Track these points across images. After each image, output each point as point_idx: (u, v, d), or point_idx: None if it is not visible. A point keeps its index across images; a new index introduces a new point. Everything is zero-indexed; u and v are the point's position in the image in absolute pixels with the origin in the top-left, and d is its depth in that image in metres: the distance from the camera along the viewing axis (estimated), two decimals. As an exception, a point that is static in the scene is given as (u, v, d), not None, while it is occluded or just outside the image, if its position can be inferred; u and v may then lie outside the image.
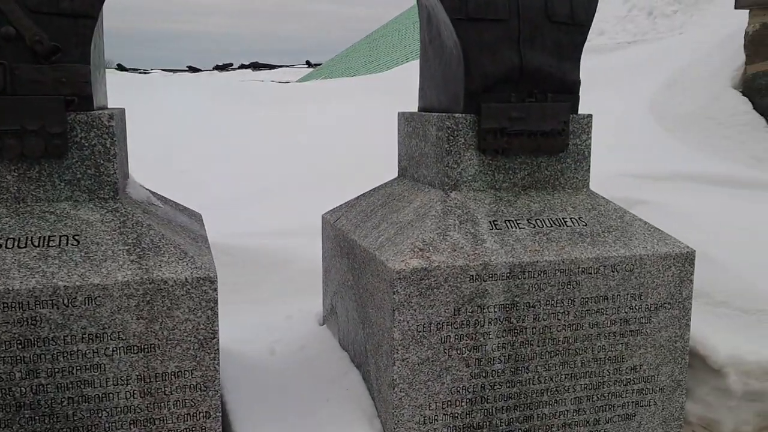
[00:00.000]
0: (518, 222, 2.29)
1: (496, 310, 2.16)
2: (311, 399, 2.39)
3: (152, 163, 7.22)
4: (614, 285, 2.27)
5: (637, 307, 2.30)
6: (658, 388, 2.37)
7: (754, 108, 4.60)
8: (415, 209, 2.36)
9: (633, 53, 6.45)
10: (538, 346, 2.22)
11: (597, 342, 2.28)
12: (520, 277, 2.17)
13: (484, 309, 2.15)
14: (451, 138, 2.29)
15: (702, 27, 6.69)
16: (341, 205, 2.89)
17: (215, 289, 1.90)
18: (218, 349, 1.94)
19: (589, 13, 2.39)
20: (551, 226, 2.30)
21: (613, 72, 6.00)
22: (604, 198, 2.46)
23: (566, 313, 2.23)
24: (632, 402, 2.35)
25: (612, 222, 2.37)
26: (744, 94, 4.70)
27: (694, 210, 3.70)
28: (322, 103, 9.72)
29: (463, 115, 2.30)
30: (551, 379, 2.25)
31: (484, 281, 2.13)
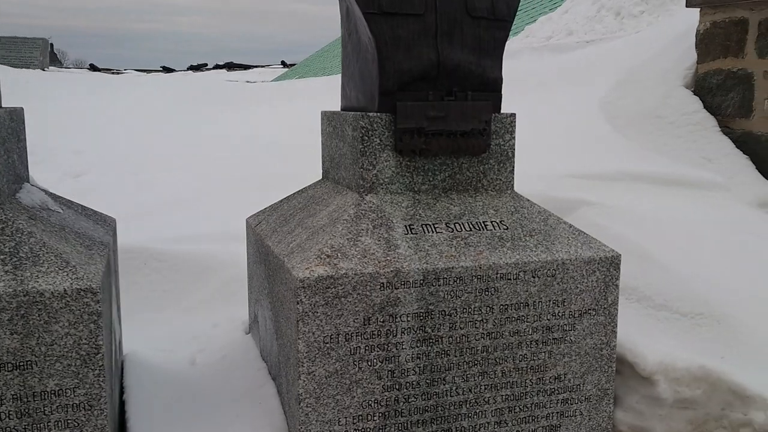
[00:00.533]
0: (436, 226, 2.19)
1: (409, 319, 2.05)
2: (222, 414, 2.27)
3: (109, 164, 7.06)
4: (535, 291, 2.17)
5: (560, 314, 2.21)
6: (583, 398, 2.29)
7: (705, 107, 4.55)
8: (330, 213, 2.25)
9: (590, 52, 6.40)
10: (456, 356, 2.12)
11: (518, 351, 2.18)
12: (434, 284, 2.06)
13: (396, 318, 2.04)
14: (366, 138, 2.19)
15: (666, 26, 6.65)
16: (266, 208, 2.77)
17: (98, 302, 1.77)
18: (103, 365, 1.81)
19: (511, 8, 2.29)
20: (470, 230, 2.20)
21: (568, 71, 5.94)
22: (528, 200, 2.37)
23: (485, 321, 2.13)
24: (557, 412, 2.26)
25: (535, 225, 2.28)
26: (695, 93, 4.65)
27: (640, 211, 3.64)
28: (287, 103, 9.58)
29: (378, 114, 2.19)
30: (470, 391, 2.15)
31: (396, 289, 2.03)
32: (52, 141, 8.03)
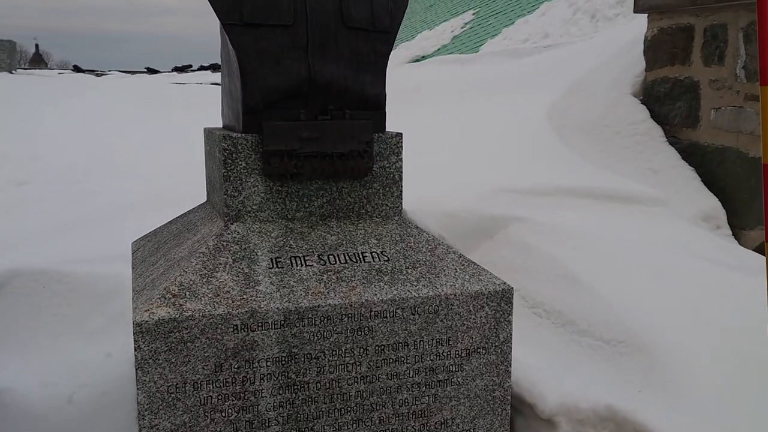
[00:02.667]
0: (306, 258, 1.98)
1: (269, 364, 1.85)
2: (75, 465, 2.06)
3: (58, 171, 6.81)
4: (416, 330, 1.98)
5: (445, 354, 2.02)
6: (475, 444, 2.09)
7: (653, 117, 4.38)
8: (192, 244, 2.04)
9: (546, 58, 6.22)
10: (325, 404, 1.92)
11: (398, 395, 1.99)
12: (297, 324, 1.86)
13: (253, 363, 1.84)
14: (229, 161, 1.98)
15: (620, 32, 6.49)
16: (150, 232, 2.57)
17: None
18: None
19: (394, 19, 2.10)
20: (345, 262, 2.00)
21: (522, 78, 5.76)
22: (417, 228, 2.17)
23: (358, 363, 1.93)
24: (444, 461, 2.07)
25: (420, 256, 2.08)
26: (643, 102, 4.48)
27: (572, 229, 3.45)
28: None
29: (243, 134, 1.99)
30: (343, 440, 1.95)
31: (252, 331, 1.83)
32: (9, 146, 7.79)
